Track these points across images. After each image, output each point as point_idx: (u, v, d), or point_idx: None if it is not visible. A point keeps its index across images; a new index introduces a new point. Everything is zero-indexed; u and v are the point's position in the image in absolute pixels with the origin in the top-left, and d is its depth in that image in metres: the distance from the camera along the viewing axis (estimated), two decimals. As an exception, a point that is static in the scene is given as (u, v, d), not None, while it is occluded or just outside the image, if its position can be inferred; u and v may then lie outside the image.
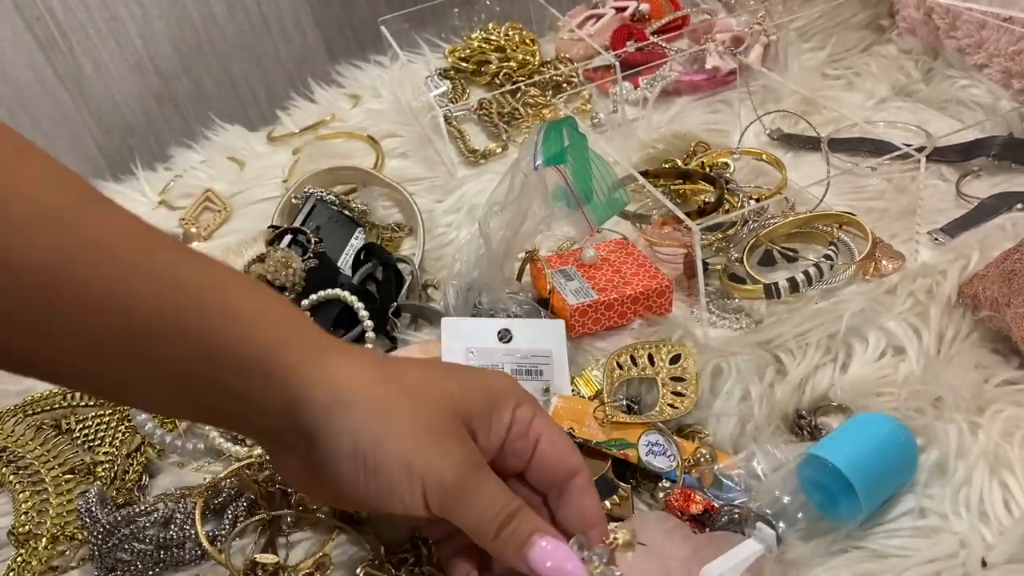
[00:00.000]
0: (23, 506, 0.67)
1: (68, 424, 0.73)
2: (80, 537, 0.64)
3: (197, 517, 0.61)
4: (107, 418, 0.73)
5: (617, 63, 1.00)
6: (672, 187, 0.89)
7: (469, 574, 0.49)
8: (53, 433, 0.73)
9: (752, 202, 0.86)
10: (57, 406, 0.74)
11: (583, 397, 0.69)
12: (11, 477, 0.69)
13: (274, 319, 0.45)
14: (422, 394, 0.44)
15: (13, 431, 0.72)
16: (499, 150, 1.04)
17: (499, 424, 0.46)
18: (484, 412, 0.46)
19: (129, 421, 0.72)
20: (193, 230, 1.00)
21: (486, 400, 0.46)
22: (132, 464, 0.70)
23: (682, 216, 0.71)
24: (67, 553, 0.64)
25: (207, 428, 0.68)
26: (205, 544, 0.60)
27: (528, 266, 0.81)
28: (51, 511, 0.67)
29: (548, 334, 0.72)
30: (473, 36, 1.22)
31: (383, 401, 0.44)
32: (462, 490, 0.43)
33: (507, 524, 0.43)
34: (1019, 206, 0.80)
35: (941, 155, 0.89)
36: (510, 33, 1.22)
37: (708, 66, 1.08)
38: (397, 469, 0.43)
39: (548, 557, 0.43)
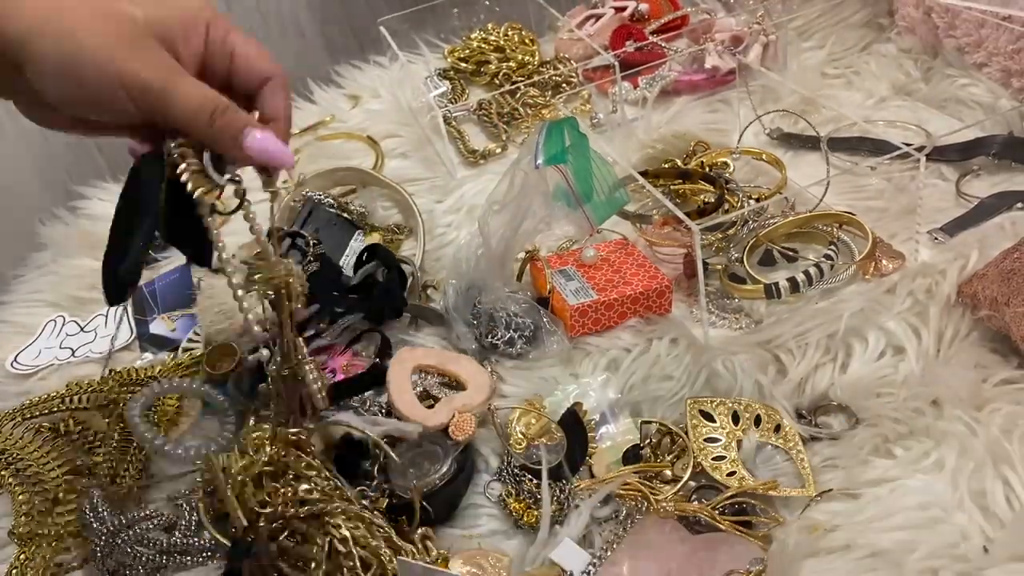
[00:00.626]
0: (23, 507, 0.67)
1: (67, 427, 0.73)
2: (83, 536, 0.65)
3: (203, 518, 0.62)
4: (105, 419, 0.73)
5: (616, 63, 1.00)
6: (672, 187, 0.89)
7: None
8: (51, 436, 0.73)
9: (752, 202, 0.86)
10: (56, 409, 0.74)
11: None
12: (10, 479, 0.69)
13: None
14: (114, 16, 0.49)
15: (11, 434, 0.72)
16: (498, 150, 1.04)
17: (196, 39, 0.52)
18: (179, 29, 0.51)
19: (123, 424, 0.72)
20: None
21: (179, 19, 0.51)
22: (129, 466, 0.70)
23: (682, 216, 0.71)
24: (72, 552, 0.64)
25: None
26: (222, 539, 0.61)
27: (528, 266, 0.82)
28: (54, 511, 0.67)
29: None
30: (472, 36, 1.22)
31: (76, 24, 0.48)
32: (167, 91, 0.49)
33: (220, 115, 0.51)
34: (1019, 205, 0.80)
35: (941, 154, 0.89)
36: (509, 33, 1.22)
37: (708, 65, 1.08)
38: (100, 81, 0.49)
39: (262, 143, 0.52)
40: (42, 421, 0.74)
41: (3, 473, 0.70)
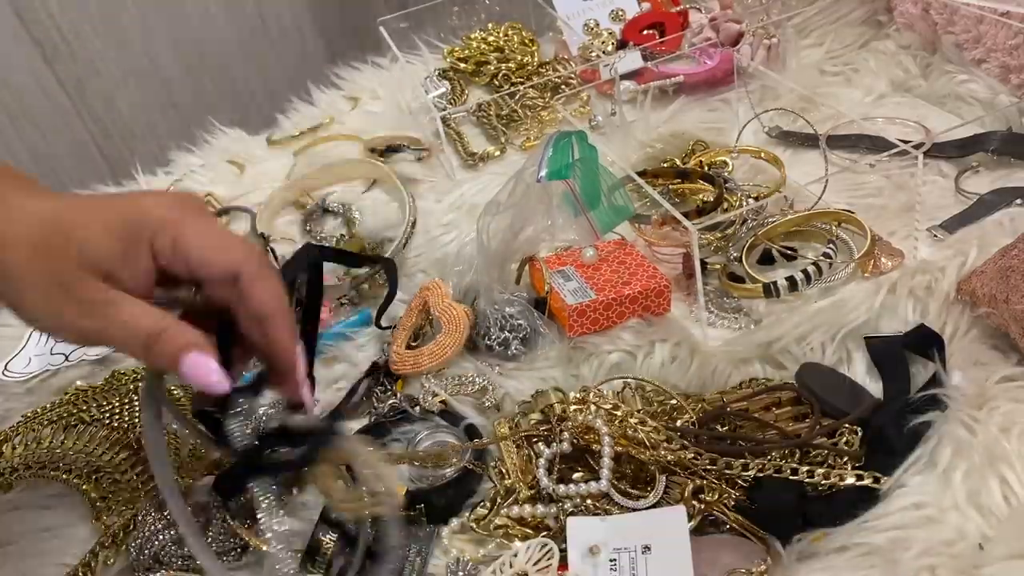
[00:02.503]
0: (104, 503, 0.69)
1: (92, 415, 0.74)
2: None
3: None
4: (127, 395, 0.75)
5: (616, 63, 1.00)
6: (671, 187, 0.89)
7: None
8: (83, 428, 0.73)
9: (751, 201, 0.86)
10: (67, 401, 0.75)
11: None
12: (76, 480, 0.70)
13: None
14: (53, 252, 0.48)
15: (52, 439, 0.72)
16: (497, 153, 1.04)
17: (140, 256, 0.50)
18: (117, 255, 0.49)
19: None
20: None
21: (116, 244, 0.49)
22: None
23: (680, 217, 0.71)
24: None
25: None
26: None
27: (527, 268, 0.82)
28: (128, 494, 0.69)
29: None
30: (472, 36, 1.22)
31: (14, 264, 0.48)
32: (102, 330, 0.49)
33: (155, 343, 0.48)
34: (1018, 201, 0.80)
35: (940, 151, 0.89)
36: (509, 33, 1.22)
37: (709, 61, 1.08)
38: (43, 325, 0.50)
39: (193, 369, 0.49)
40: (67, 417, 0.74)
41: (68, 478, 0.70)
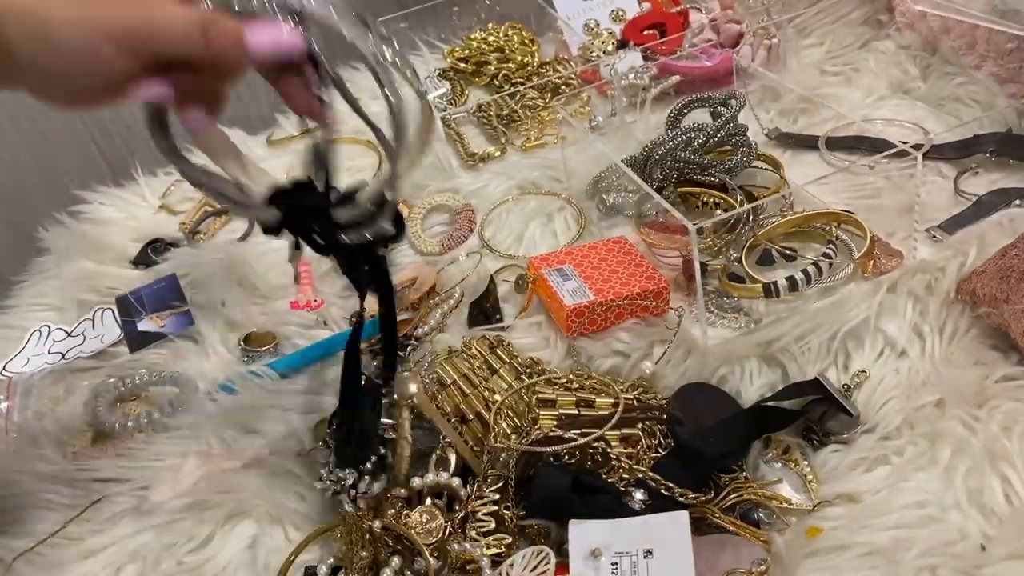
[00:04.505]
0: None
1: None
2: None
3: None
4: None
5: (616, 63, 1.00)
6: (678, 190, 0.88)
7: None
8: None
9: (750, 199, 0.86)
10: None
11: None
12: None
13: None
14: None
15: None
16: (497, 153, 1.05)
17: None
18: None
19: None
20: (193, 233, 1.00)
21: None
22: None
23: (679, 216, 0.71)
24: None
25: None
26: None
27: (529, 287, 0.81)
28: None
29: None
30: (472, 36, 1.22)
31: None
32: (149, 25, 0.46)
33: (212, 28, 0.47)
34: (1017, 202, 0.81)
35: (939, 152, 0.89)
36: (509, 33, 1.22)
37: (708, 62, 1.08)
38: (79, 46, 0.46)
39: (272, 35, 0.48)
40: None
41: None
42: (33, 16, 0.45)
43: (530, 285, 0.80)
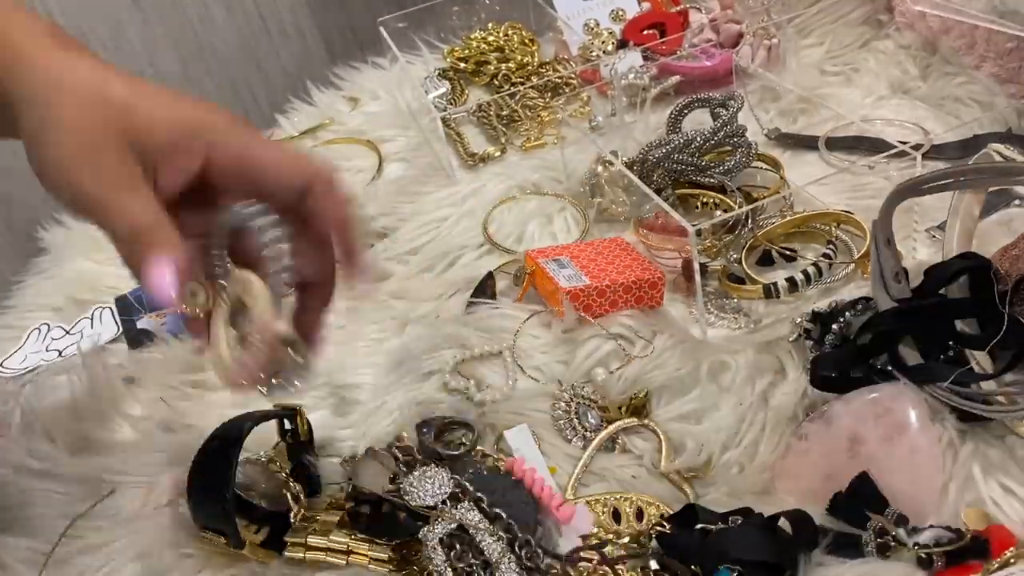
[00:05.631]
0: None
1: None
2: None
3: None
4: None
5: (616, 63, 1.00)
6: (677, 192, 0.88)
7: None
8: None
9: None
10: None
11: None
12: None
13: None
14: (99, 107, 0.46)
15: None
16: (497, 153, 1.04)
17: (187, 157, 0.47)
18: (166, 144, 0.47)
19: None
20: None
21: (172, 132, 0.47)
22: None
23: (677, 217, 0.71)
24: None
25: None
26: None
27: (525, 278, 0.81)
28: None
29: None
30: (472, 36, 1.22)
31: (56, 111, 0.46)
32: (101, 200, 0.46)
33: (141, 238, 0.46)
34: (1016, 202, 0.80)
35: (939, 152, 0.89)
36: (509, 33, 1.22)
37: (709, 62, 1.08)
38: (55, 171, 0.46)
39: (153, 279, 0.46)
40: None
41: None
42: (40, 134, 0.46)
43: (527, 276, 0.80)
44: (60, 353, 0.87)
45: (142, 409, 0.77)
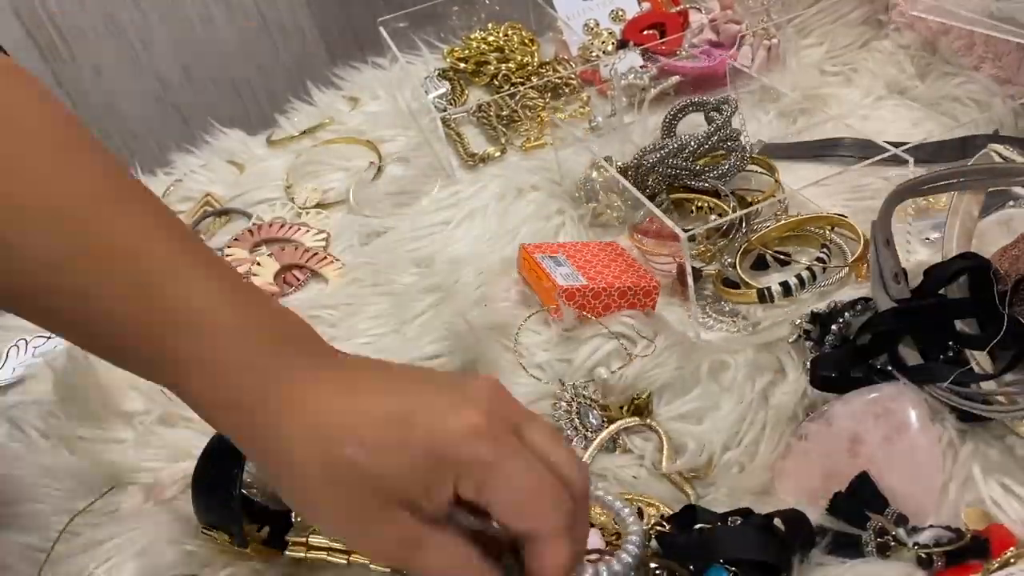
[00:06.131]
0: None
1: None
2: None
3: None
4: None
5: (616, 63, 1.00)
6: (671, 196, 0.88)
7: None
8: None
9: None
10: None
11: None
12: None
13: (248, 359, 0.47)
14: (344, 482, 0.44)
15: None
16: (497, 154, 1.05)
17: (444, 493, 0.45)
18: (420, 489, 0.44)
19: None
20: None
21: (419, 478, 0.44)
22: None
23: (670, 223, 0.72)
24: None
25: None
26: None
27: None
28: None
29: None
30: (472, 36, 1.22)
31: (310, 494, 0.46)
32: (404, 560, 0.46)
33: None
34: (1011, 203, 0.80)
35: (936, 154, 0.89)
36: (509, 33, 1.22)
37: (709, 62, 1.08)
38: (349, 544, 0.49)
39: None
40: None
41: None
42: (303, 502, 0.47)
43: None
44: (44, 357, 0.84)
45: (142, 404, 0.77)
